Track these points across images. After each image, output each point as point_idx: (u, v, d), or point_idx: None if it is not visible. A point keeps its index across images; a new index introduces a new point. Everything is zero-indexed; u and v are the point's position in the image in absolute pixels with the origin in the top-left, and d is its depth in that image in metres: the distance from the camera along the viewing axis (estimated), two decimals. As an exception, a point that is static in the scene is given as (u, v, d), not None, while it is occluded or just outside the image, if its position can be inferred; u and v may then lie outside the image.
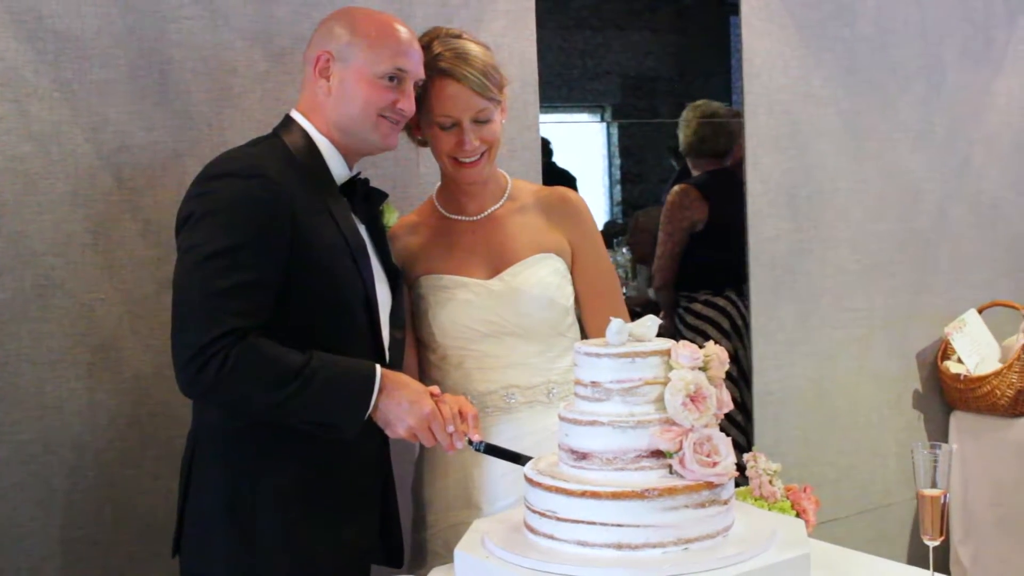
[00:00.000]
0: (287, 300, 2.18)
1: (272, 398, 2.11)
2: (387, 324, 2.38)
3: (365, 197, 2.39)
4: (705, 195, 3.68)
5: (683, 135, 3.76)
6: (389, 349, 2.38)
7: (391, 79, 2.30)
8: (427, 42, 2.43)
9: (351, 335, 2.27)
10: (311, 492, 2.25)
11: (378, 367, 2.21)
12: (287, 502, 2.23)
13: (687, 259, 3.70)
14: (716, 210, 3.68)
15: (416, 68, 2.34)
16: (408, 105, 2.33)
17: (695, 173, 3.75)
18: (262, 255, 2.13)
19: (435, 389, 2.26)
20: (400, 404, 2.19)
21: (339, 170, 2.34)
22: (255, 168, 2.19)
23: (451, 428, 2.20)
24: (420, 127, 2.47)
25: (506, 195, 2.55)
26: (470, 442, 2.23)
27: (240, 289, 2.10)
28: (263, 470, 2.23)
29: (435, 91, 2.39)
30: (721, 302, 3.69)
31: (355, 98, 2.29)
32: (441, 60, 2.39)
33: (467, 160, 2.43)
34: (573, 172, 3.55)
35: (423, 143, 2.52)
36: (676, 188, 3.73)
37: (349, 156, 2.36)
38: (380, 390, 2.18)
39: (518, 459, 2.20)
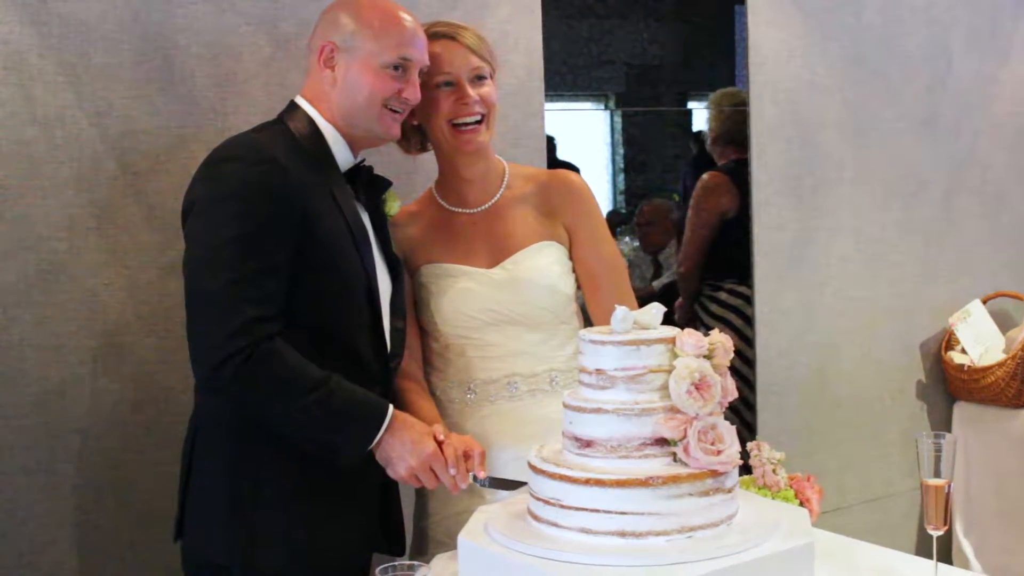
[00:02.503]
0: (292, 285, 2.17)
1: (285, 407, 2.12)
2: (388, 313, 2.38)
3: (369, 184, 2.39)
4: (736, 183, 3.66)
5: (714, 122, 3.74)
6: (390, 337, 2.38)
7: (396, 68, 2.29)
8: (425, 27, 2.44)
9: (354, 322, 2.28)
10: (311, 479, 2.25)
11: (391, 406, 2.22)
12: (287, 488, 2.23)
13: (713, 247, 3.69)
14: (745, 198, 3.66)
15: (421, 56, 2.34)
16: (413, 94, 2.33)
17: (720, 161, 3.74)
18: (273, 241, 2.13)
19: (439, 432, 2.25)
20: (403, 443, 2.20)
21: (343, 157, 2.33)
22: (263, 153, 2.18)
23: (453, 471, 2.21)
24: (417, 110, 2.44)
25: (504, 184, 2.54)
26: (475, 478, 2.24)
27: (254, 277, 2.10)
28: (263, 456, 2.23)
29: (432, 54, 2.39)
30: (747, 291, 3.68)
31: (360, 89, 2.28)
32: (436, 27, 2.43)
33: (468, 122, 2.42)
34: (577, 163, 3.54)
35: (422, 149, 2.55)
36: (707, 176, 3.71)
37: (353, 144, 2.36)
38: (387, 428, 2.19)
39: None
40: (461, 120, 2.42)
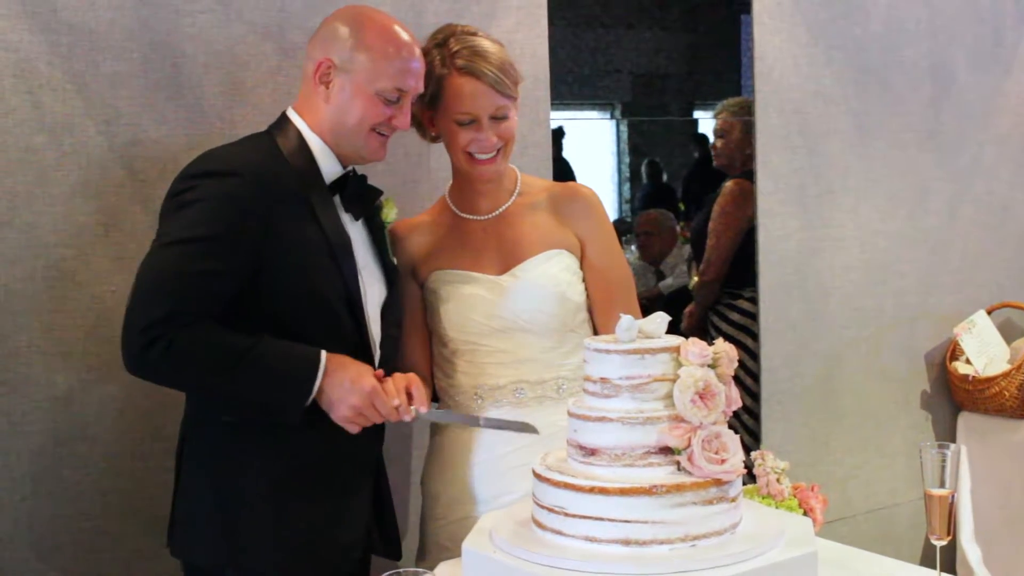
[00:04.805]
0: (264, 297, 2.20)
1: (216, 380, 2.16)
2: (378, 320, 2.39)
3: (358, 194, 2.39)
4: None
5: (731, 130, 3.72)
6: (381, 346, 2.39)
7: (390, 96, 2.30)
8: (443, 39, 2.43)
9: (333, 332, 2.28)
10: (297, 484, 2.27)
11: (324, 352, 2.21)
12: (272, 493, 2.25)
13: (734, 255, 3.68)
14: None
15: (417, 85, 2.34)
16: (403, 122, 2.33)
17: (729, 172, 3.73)
18: (225, 249, 2.15)
19: (379, 372, 2.27)
20: (342, 384, 2.20)
21: (330, 168, 2.34)
22: (232, 167, 2.20)
23: (396, 401, 2.21)
24: (433, 123, 2.47)
25: (516, 191, 2.55)
26: (418, 413, 2.25)
27: (195, 276, 2.12)
28: (249, 461, 2.25)
29: (454, 88, 2.39)
30: None
31: (352, 111, 2.29)
32: (459, 57, 2.40)
33: (484, 157, 2.43)
34: (576, 166, 3.53)
35: (435, 139, 2.52)
36: (732, 183, 3.69)
37: (340, 156, 2.36)
38: (324, 373, 2.19)
39: (476, 421, 2.31)
40: (478, 154, 2.44)
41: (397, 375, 2.28)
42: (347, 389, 2.19)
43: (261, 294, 2.20)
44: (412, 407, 2.24)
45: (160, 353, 2.08)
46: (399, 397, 2.22)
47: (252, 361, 2.14)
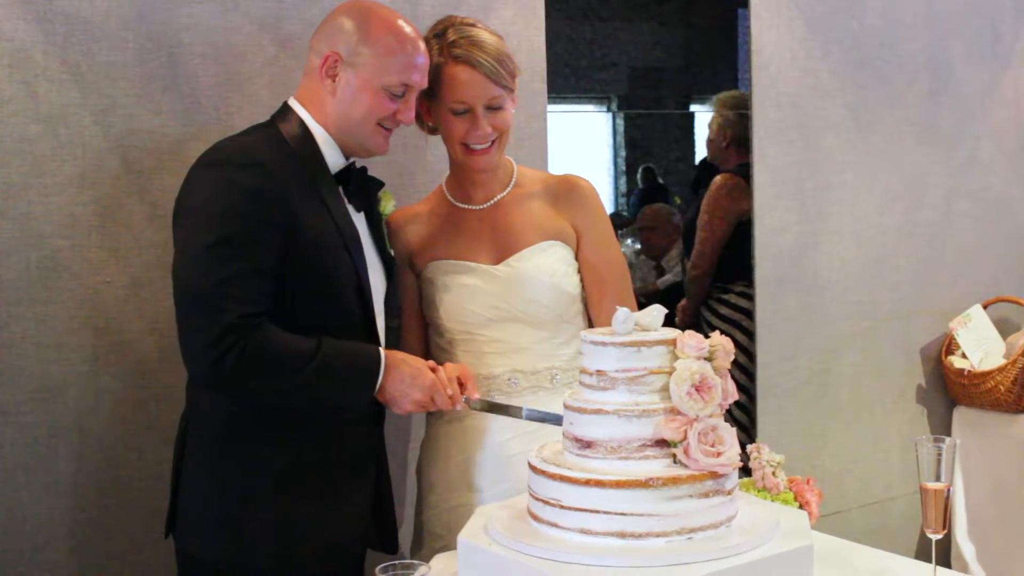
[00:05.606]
0: (281, 287, 2.20)
1: (285, 386, 2.17)
2: (382, 313, 2.40)
3: (361, 186, 2.39)
4: (750, 185, 3.64)
5: (725, 125, 3.72)
6: (384, 337, 2.40)
7: (396, 91, 2.30)
8: (441, 29, 2.43)
9: (345, 323, 2.29)
10: (301, 477, 2.27)
11: (382, 350, 2.27)
12: (276, 486, 2.26)
13: (723, 249, 3.68)
14: None
15: (422, 80, 2.35)
16: (408, 116, 2.35)
17: (722, 166, 3.72)
18: (259, 243, 2.15)
19: (431, 363, 2.32)
20: (403, 381, 2.26)
21: (334, 159, 2.34)
22: (250, 157, 2.20)
23: (450, 391, 2.29)
24: (431, 113, 2.47)
25: (512, 182, 2.55)
26: (467, 400, 2.33)
27: (242, 277, 2.12)
28: (253, 454, 2.25)
29: (449, 77, 2.40)
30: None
31: (358, 105, 2.30)
32: (456, 47, 2.40)
33: (478, 147, 2.43)
34: (567, 159, 3.50)
35: (433, 131, 2.52)
36: (721, 177, 3.69)
37: (344, 147, 2.36)
38: (385, 372, 2.25)
39: (518, 412, 2.34)
40: (473, 144, 2.44)
41: (448, 365, 2.36)
42: (408, 385, 2.26)
43: (280, 283, 2.19)
44: (463, 396, 2.32)
45: (234, 361, 2.09)
46: (451, 387, 2.30)
47: (320, 363, 2.17)
